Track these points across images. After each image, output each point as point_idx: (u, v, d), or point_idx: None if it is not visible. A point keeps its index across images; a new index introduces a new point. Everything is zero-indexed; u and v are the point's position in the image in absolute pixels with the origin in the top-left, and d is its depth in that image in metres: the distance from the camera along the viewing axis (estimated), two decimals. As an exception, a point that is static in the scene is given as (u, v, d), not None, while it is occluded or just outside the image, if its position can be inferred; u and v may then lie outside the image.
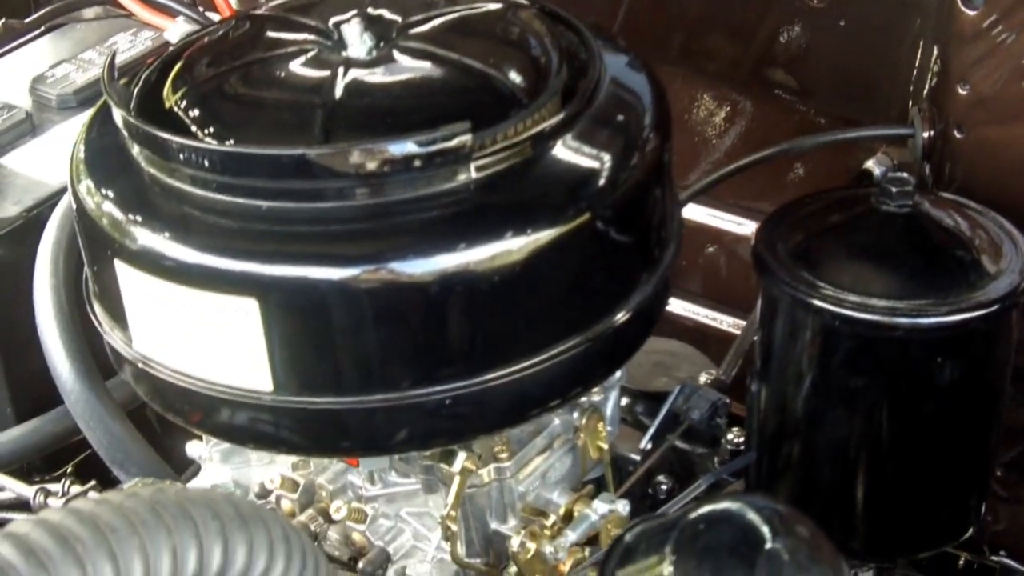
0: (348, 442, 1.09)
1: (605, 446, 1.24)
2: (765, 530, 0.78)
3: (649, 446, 1.31)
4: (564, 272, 1.06)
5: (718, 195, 1.63)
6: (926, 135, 1.37)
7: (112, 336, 1.13)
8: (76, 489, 1.33)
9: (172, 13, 1.69)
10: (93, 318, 1.16)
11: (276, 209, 1.01)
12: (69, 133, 1.57)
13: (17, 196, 1.49)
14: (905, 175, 1.15)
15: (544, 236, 1.03)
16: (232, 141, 1.04)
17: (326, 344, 1.03)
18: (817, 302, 1.12)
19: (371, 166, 0.99)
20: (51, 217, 1.39)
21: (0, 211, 1.48)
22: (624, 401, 1.40)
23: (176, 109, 1.09)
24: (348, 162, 0.99)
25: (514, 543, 1.17)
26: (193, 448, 1.33)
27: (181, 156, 1.02)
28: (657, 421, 1.30)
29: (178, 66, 1.15)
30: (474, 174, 1.02)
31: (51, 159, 1.54)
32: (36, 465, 1.51)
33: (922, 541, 1.24)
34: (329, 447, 1.11)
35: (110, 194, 1.08)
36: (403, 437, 1.08)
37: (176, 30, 1.64)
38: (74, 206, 1.12)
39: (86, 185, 1.10)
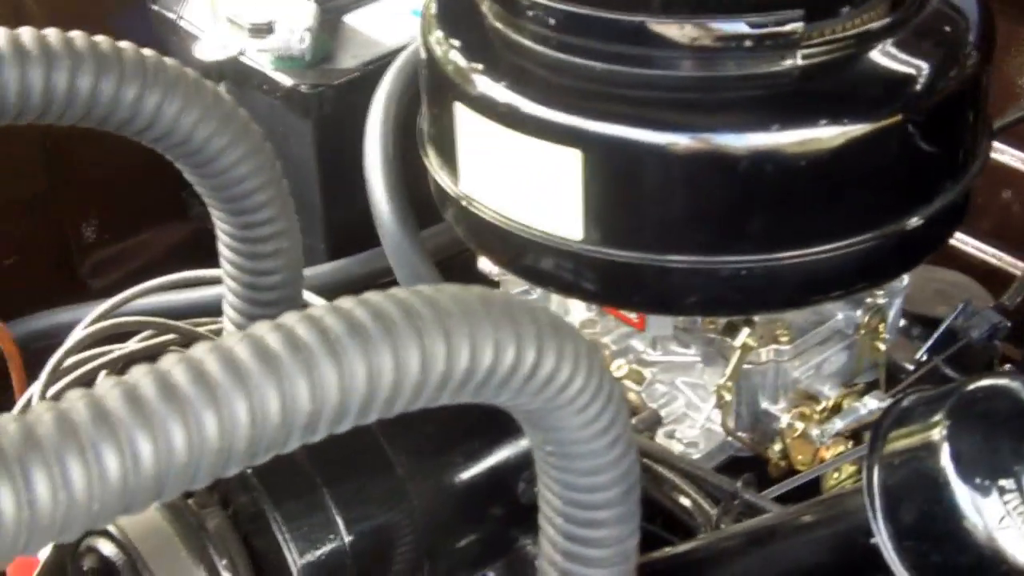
0: (640, 297, 1.16)
1: (883, 347, 1.29)
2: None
3: (924, 357, 1.35)
4: (869, 167, 1.11)
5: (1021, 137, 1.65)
6: None
7: (440, 175, 1.22)
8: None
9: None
10: (424, 159, 1.25)
11: (610, 71, 1.09)
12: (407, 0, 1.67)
13: (355, 51, 1.60)
14: None
15: (856, 129, 1.08)
16: (576, 3, 1.11)
17: (637, 201, 1.10)
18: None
19: (704, 41, 1.06)
20: (387, 72, 1.49)
21: (339, 63, 1.59)
22: (901, 323, 1.44)
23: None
24: (683, 34, 1.06)
25: (783, 420, 1.23)
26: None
27: (529, 13, 1.11)
28: (937, 333, 1.34)
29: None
30: (799, 61, 1.07)
31: (388, 22, 1.64)
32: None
33: None
34: (623, 299, 1.18)
35: (457, 44, 1.17)
36: (693, 300, 1.14)
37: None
38: (423, 55, 1.21)
39: (436, 35, 1.20)
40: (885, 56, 1.11)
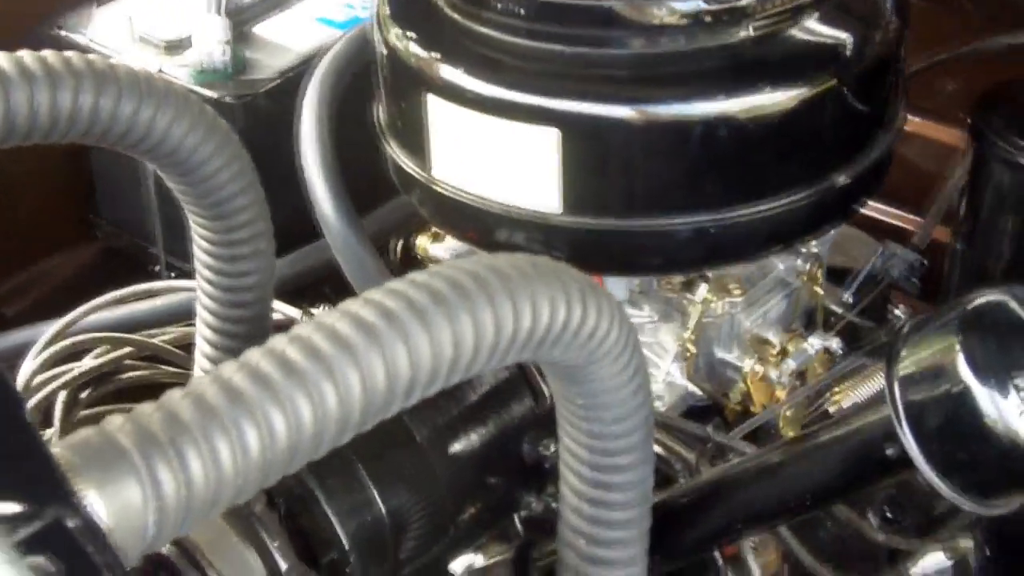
0: (612, 261, 1.25)
1: (821, 291, 1.40)
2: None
3: (851, 299, 1.46)
4: (811, 127, 1.22)
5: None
6: None
7: (407, 163, 1.29)
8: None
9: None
10: (386, 148, 1.32)
11: (578, 54, 1.17)
12: (311, 8, 1.73)
13: (270, 60, 1.65)
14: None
15: (799, 93, 1.19)
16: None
17: (612, 171, 1.19)
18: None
19: (667, 19, 1.15)
20: (313, 77, 1.54)
21: (258, 72, 1.64)
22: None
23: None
24: (647, 15, 1.15)
25: (746, 365, 1.33)
26: None
27: (498, 5, 1.18)
28: (862, 274, 1.46)
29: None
30: (752, 32, 1.17)
31: (296, 30, 1.70)
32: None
33: None
34: (597, 265, 1.24)
35: (423, 40, 1.24)
36: (659, 261, 1.24)
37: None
38: (383, 52, 1.28)
39: (395, 33, 1.27)
40: (816, 27, 1.21)
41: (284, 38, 1.69)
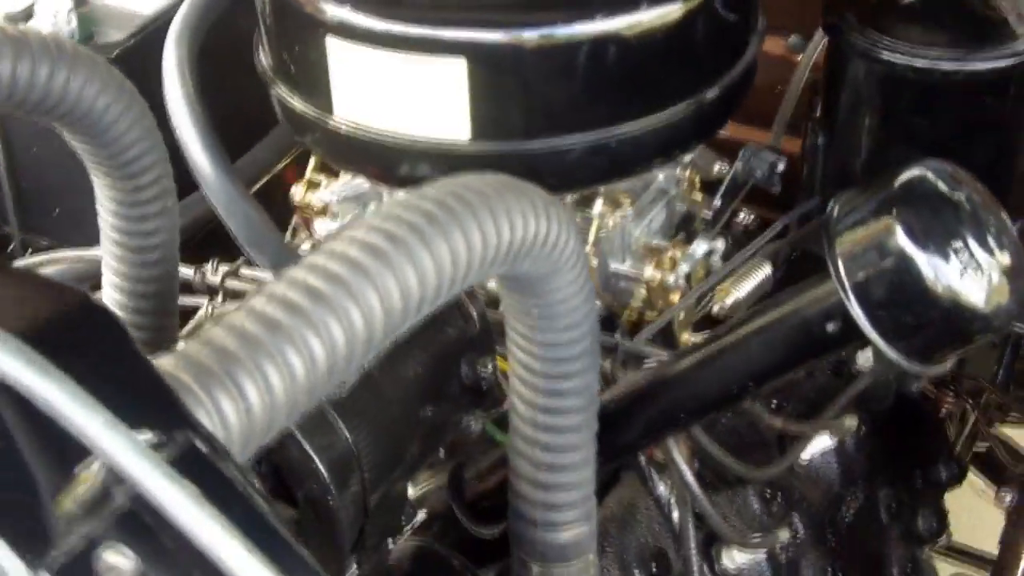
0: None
1: (699, 197, 1.47)
2: (945, 186, 1.03)
3: (719, 203, 1.53)
4: (692, 38, 1.28)
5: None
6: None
7: (304, 106, 1.31)
8: (225, 267, 1.49)
9: None
10: (280, 94, 1.34)
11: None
12: (147, -30, 1.72)
13: (117, 25, 1.64)
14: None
15: (675, 8, 1.25)
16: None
17: (519, 95, 1.24)
18: (885, 53, 1.37)
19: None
20: (168, 37, 1.54)
21: (106, 37, 1.63)
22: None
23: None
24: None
25: (647, 273, 1.39)
26: (321, 226, 1.51)
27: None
28: (727, 178, 1.53)
29: None
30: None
31: (136, -7, 1.69)
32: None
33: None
34: None
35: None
36: (562, 180, 1.29)
37: None
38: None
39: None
40: None
41: (125, 1, 1.67)
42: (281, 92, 1.35)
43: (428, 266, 0.79)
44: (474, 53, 1.20)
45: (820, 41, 1.60)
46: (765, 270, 1.46)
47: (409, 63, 1.22)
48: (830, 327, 1.06)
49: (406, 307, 0.79)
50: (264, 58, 1.38)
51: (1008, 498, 1.85)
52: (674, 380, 1.17)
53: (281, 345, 0.72)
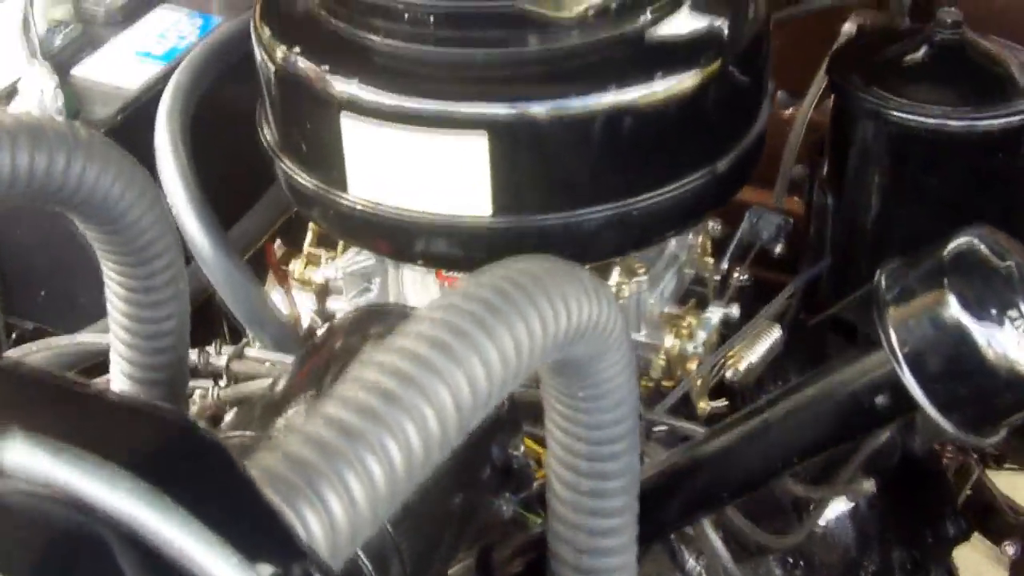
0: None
1: (711, 261, 1.45)
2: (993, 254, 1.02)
3: (726, 266, 1.52)
4: (712, 105, 1.27)
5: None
6: (914, -10, 1.62)
7: (317, 184, 1.28)
8: (228, 348, 1.46)
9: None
10: (287, 170, 1.31)
11: (492, 56, 1.19)
12: (126, 44, 1.68)
13: (102, 102, 1.61)
14: (955, 10, 1.40)
15: (702, 73, 1.24)
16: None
17: (541, 167, 1.22)
18: (895, 113, 1.36)
19: (579, 11, 1.18)
20: (159, 113, 1.51)
21: (93, 114, 1.59)
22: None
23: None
24: (563, 7, 1.18)
25: (668, 342, 1.37)
26: (333, 303, 1.48)
27: (405, 16, 1.19)
28: (734, 242, 1.52)
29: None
30: (649, 16, 1.22)
31: (118, 67, 1.65)
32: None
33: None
34: None
35: (322, 58, 1.24)
36: (587, 251, 1.27)
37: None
38: (271, 72, 1.28)
39: (285, 53, 1.26)
40: (695, 13, 1.26)
41: (109, 77, 1.64)
42: (288, 167, 1.32)
43: (494, 358, 0.77)
44: (495, 127, 1.18)
45: (815, 98, 1.60)
46: (775, 333, 1.45)
47: (428, 139, 1.19)
48: (879, 400, 1.05)
49: (475, 403, 0.76)
50: (269, 133, 1.35)
51: (1012, 550, 1.84)
52: (715, 457, 1.15)
53: (361, 453, 0.70)
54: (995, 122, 1.35)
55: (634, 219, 1.25)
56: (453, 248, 1.25)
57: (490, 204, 1.21)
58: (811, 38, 1.73)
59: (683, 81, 1.23)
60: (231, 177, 1.55)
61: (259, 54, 1.30)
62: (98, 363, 1.59)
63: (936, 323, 1.00)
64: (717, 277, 1.52)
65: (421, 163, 1.21)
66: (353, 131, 1.22)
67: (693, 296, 1.50)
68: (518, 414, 1.19)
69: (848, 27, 1.70)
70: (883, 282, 1.04)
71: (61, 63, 1.64)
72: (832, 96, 1.45)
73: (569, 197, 1.23)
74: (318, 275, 1.51)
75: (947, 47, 1.39)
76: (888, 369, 1.02)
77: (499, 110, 1.18)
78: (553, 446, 1.03)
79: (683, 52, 1.25)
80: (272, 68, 1.28)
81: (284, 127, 1.32)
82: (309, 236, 1.56)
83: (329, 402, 0.72)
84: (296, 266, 1.54)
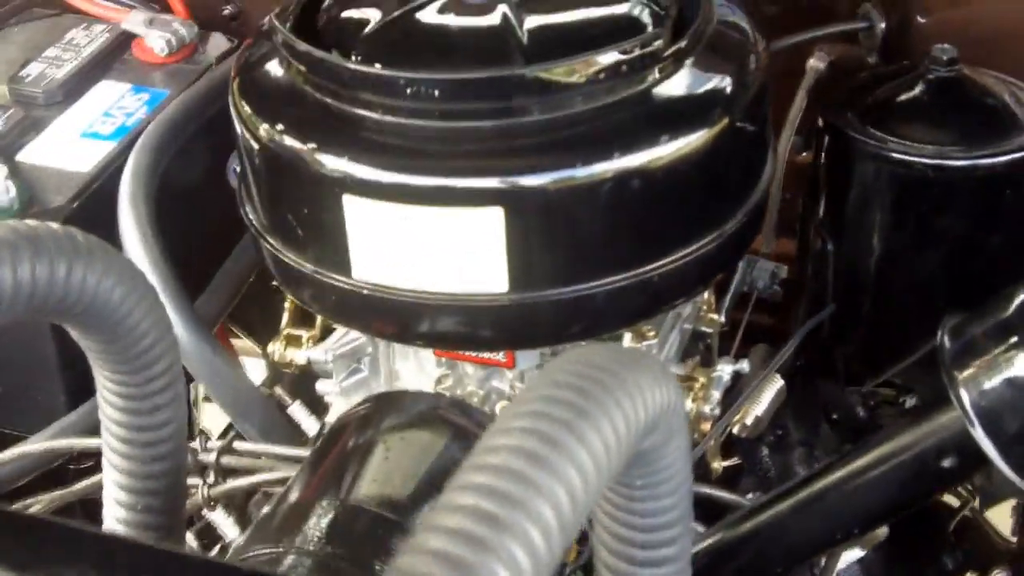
0: (561, 330, 1.22)
1: (716, 317, 1.41)
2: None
3: (723, 319, 1.48)
4: (731, 160, 1.23)
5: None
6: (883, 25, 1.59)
7: (315, 268, 1.22)
8: (216, 443, 1.39)
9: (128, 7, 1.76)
10: (275, 252, 1.25)
11: (502, 126, 1.13)
12: (70, 124, 1.60)
13: (54, 188, 1.52)
14: (949, 46, 1.37)
15: (720, 130, 1.19)
16: (446, 69, 1.15)
17: (558, 239, 1.16)
18: (895, 154, 1.32)
19: (588, 75, 1.13)
20: (121, 198, 1.44)
21: (47, 202, 1.50)
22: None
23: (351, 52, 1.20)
24: (565, 75, 1.13)
25: (687, 404, 1.32)
26: (321, 386, 1.42)
27: (408, 91, 1.13)
28: (730, 293, 1.48)
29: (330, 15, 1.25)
30: (657, 75, 1.17)
31: (65, 150, 1.57)
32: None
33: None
34: (545, 337, 1.24)
35: (313, 137, 1.17)
36: (609, 320, 1.23)
37: (136, 18, 1.70)
38: (254, 151, 1.22)
39: (271, 131, 1.19)
40: (697, 71, 1.21)
41: (57, 161, 1.56)
42: (279, 251, 1.25)
43: (589, 467, 0.73)
44: (512, 201, 1.13)
45: (790, 138, 1.56)
46: (778, 383, 1.41)
47: (441, 217, 1.13)
48: (946, 462, 1.01)
49: (574, 516, 0.72)
50: (253, 214, 1.28)
51: (1004, 577, 1.82)
52: (766, 530, 1.10)
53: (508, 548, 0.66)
54: (999, 159, 1.32)
55: (654, 285, 1.20)
56: (465, 327, 1.20)
57: (506, 280, 1.16)
58: (776, 73, 1.70)
59: (696, 140, 1.18)
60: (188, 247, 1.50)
61: (240, 130, 1.24)
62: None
63: (1011, 382, 0.96)
64: (711, 329, 1.47)
65: (432, 241, 1.15)
66: (357, 212, 1.16)
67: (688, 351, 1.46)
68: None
69: (814, 62, 1.66)
70: (946, 340, 1.00)
71: (3, 149, 1.56)
72: (825, 138, 1.41)
73: (587, 268, 1.17)
74: (299, 356, 1.44)
75: (945, 84, 1.36)
76: (956, 430, 0.99)
77: (515, 183, 1.12)
78: (603, 536, 0.97)
79: (693, 111, 1.20)
80: (256, 146, 1.21)
81: (272, 207, 1.25)
82: (286, 317, 1.49)
83: (430, 535, 0.68)
84: (275, 348, 1.47)
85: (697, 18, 1.22)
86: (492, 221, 1.13)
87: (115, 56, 1.73)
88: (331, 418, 1.43)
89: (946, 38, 1.46)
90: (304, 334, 1.46)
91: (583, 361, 0.79)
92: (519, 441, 0.72)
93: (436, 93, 1.13)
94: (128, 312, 0.98)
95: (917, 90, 1.37)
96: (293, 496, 1.10)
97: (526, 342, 1.26)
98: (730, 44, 1.26)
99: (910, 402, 1.50)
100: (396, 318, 1.21)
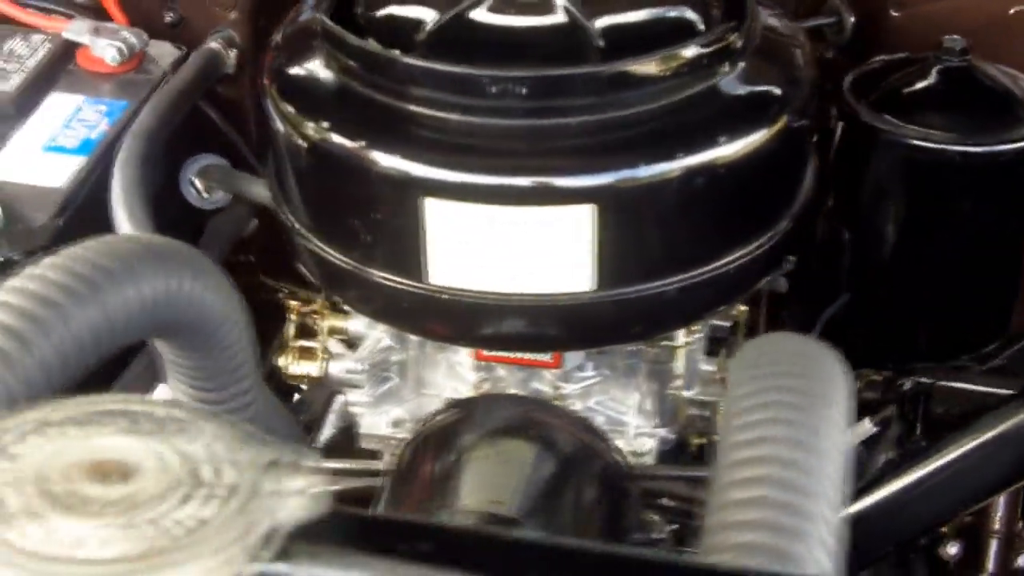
0: (641, 328, 1.21)
1: (742, 309, 1.41)
2: None
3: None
4: (792, 157, 1.25)
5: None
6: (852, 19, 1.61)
7: (385, 275, 1.18)
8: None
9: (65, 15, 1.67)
10: (328, 259, 1.21)
11: (591, 123, 1.11)
12: (31, 138, 1.52)
13: (30, 206, 1.44)
14: (960, 37, 1.39)
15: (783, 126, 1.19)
16: (529, 66, 1.12)
17: (640, 237, 1.15)
18: (912, 140, 1.34)
19: (665, 70, 1.12)
20: (116, 216, 1.37)
21: (29, 222, 1.42)
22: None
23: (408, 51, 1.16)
24: (649, 69, 1.12)
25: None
26: (352, 396, 1.38)
27: (492, 89, 1.10)
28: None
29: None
30: (741, 65, 1.17)
31: (32, 165, 1.49)
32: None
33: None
34: (622, 334, 1.23)
35: (400, 145, 1.13)
36: (683, 316, 1.24)
37: (79, 27, 1.63)
38: (303, 151, 1.18)
39: (325, 131, 1.16)
40: (751, 72, 1.21)
41: (26, 177, 1.47)
42: (327, 251, 1.21)
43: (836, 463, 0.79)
44: (602, 198, 1.11)
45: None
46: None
47: (529, 216, 1.11)
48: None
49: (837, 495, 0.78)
50: (293, 214, 1.23)
51: (954, 550, 1.86)
52: (889, 504, 1.11)
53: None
54: (1015, 145, 1.35)
55: (728, 279, 1.20)
56: (542, 327, 1.18)
57: (593, 278, 1.14)
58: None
59: (773, 130, 1.18)
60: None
61: (283, 131, 1.19)
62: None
63: None
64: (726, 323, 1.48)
65: (517, 242, 1.12)
66: (438, 215, 1.12)
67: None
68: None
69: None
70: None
71: (-31, 167, 1.47)
72: (839, 128, 1.42)
73: (671, 263, 1.17)
74: (316, 369, 1.40)
75: (957, 74, 1.39)
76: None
77: (608, 179, 1.10)
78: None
79: (762, 103, 1.20)
80: (298, 144, 1.17)
81: (322, 209, 1.20)
82: (292, 329, 1.44)
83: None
84: (285, 362, 1.42)
85: (745, 15, 1.22)
86: (582, 219, 1.11)
87: (59, 67, 1.64)
88: (365, 428, 1.38)
89: (919, 32, 1.49)
90: (316, 346, 1.41)
91: (778, 411, 0.81)
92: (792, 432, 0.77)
93: (524, 91, 1.10)
94: (229, 329, 0.96)
95: (931, 80, 1.39)
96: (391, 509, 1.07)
97: (605, 339, 1.25)
98: (776, 47, 1.26)
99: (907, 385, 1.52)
100: (473, 322, 1.18)
